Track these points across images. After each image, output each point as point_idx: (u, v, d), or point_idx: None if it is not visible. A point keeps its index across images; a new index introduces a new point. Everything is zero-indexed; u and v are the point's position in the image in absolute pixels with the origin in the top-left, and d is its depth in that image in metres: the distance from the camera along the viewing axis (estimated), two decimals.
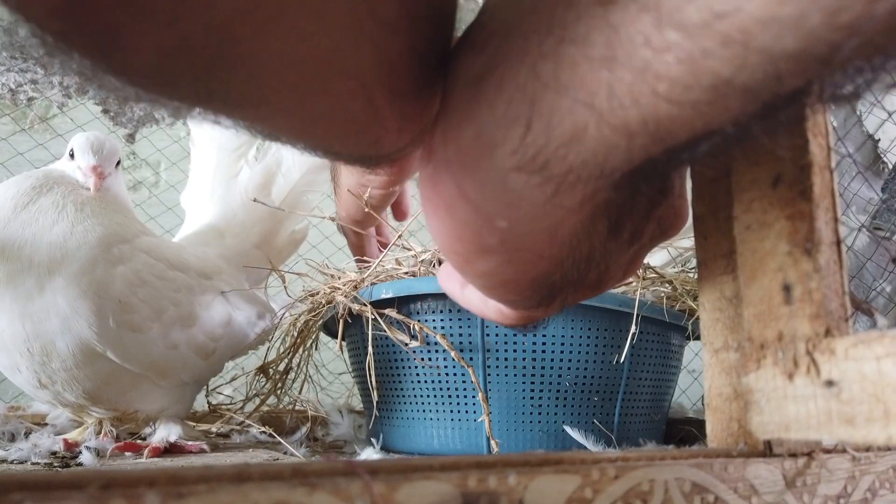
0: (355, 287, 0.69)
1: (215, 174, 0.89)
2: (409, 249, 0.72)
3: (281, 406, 0.87)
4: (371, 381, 0.67)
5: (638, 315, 0.63)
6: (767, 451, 0.27)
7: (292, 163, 0.91)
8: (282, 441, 0.71)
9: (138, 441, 0.70)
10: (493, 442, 0.60)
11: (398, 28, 0.21)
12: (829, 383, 0.23)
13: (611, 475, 0.23)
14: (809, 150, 0.25)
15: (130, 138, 1.35)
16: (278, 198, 0.90)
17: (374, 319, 0.66)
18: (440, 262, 0.71)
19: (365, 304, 0.66)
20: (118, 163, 0.73)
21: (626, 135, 0.20)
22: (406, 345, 0.65)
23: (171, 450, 0.68)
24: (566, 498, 0.22)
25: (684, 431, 0.78)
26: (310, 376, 0.83)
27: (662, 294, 0.68)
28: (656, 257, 0.80)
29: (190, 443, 0.69)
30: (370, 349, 0.67)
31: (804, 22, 0.16)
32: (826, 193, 0.26)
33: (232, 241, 0.86)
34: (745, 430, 0.28)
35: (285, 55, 0.20)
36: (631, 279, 0.69)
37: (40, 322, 0.61)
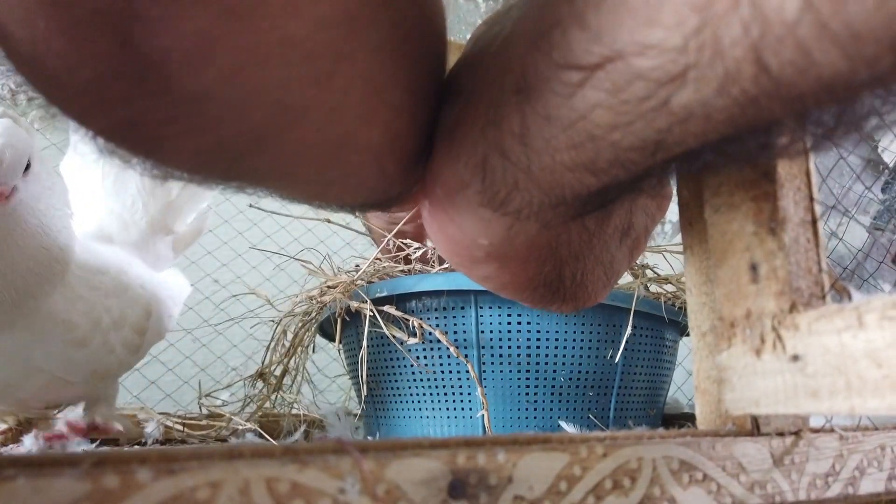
0: (351, 284, 0.69)
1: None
2: (405, 248, 0.72)
3: (276, 410, 0.87)
4: (361, 375, 0.67)
5: (633, 311, 0.64)
6: (755, 429, 0.28)
7: None
8: (277, 445, 0.71)
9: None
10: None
11: (403, 107, 0.25)
12: (795, 358, 0.24)
13: (599, 453, 0.23)
14: None
15: None
16: (175, 187, 0.86)
17: (372, 317, 0.66)
18: (440, 261, 0.71)
19: (364, 301, 0.66)
20: (27, 166, 0.60)
21: (548, 189, 0.25)
22: (402, 343, 0.65)
23: (90, 430, 0.68)
24: (555, 475, 0.22)
25: (680, 427, 0.78)
26: (307, 380, 0.83)
27: (661, 293, 0.68)
28: None
29: (109, 424, 0.69)
30: (364, 343, 0.67)
31: (632, 128, 0.21)
32: (796, 174, 0.26)
33: (136, 232, 0.82)
34: (727, 408, 0.29)
35: (307, 143, 0.23)
36: (630, 277, 0.70)
37: None
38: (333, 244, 1.20)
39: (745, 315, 0.26)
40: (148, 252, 0.83)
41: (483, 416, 0.61)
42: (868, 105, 0.19)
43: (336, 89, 0.22)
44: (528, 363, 0.64)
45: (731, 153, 0.22)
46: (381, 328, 0.65)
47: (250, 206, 0.87)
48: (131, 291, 0.74)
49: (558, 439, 0.23)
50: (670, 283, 0.70)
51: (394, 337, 0.65)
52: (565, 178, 0.24)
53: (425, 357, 0.65)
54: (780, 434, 0.28)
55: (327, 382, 1.05)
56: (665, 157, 0.22)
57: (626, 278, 0.73)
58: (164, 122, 0.20)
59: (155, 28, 0.18)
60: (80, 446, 0.62)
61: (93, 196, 0.82)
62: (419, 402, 0.67)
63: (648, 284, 0.69)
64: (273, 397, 0.82)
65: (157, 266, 0.85)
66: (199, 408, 0.88)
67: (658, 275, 0.71)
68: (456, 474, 0.21)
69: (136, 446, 0.78)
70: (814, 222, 0.26)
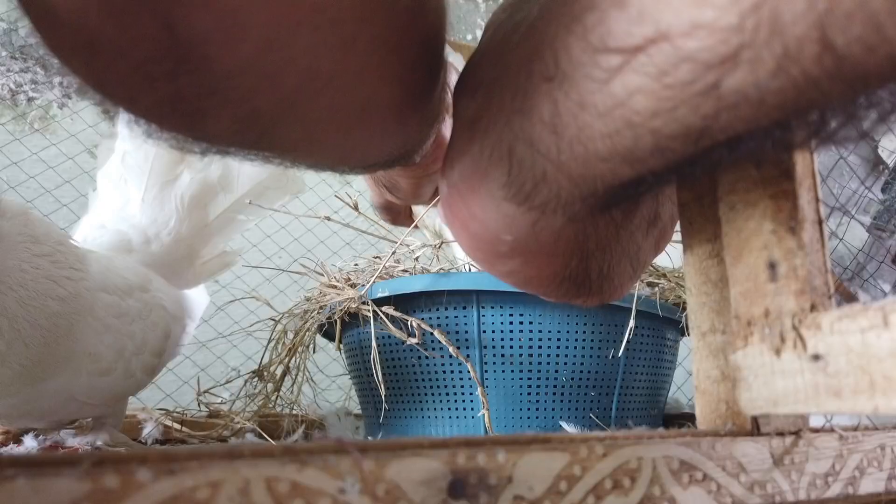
0: (352, 286, 0.69)
1: (151, 173, 0.83)
2: (409, 245, 0.72)
3: (277, 409, 0.87)
4: (377, 377, 0.67)
5: (634, 309, 0.64)
6: (755, 429, 0.28)
7: (235, 179, 0.87)
8: (275, 445, 0.71)
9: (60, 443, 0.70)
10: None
11: (417, 63, 0.26)
12: (816, 357, 0.24)
13: (599, 453, 0.23)
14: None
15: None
16: (213, 213, 0.87)
17: (375, 316, 0.66)
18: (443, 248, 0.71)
19: (366, 302, 0.66)
20: None
21: (579, 181, 0.24)
22: (404, 342, 0.65)
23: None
24: (555, 475, 0.22)
25: (681, 426, 0.79)
26: (307, 380, 0.83)
27: (657, 289, 0.68)
28: None
29: (112, 449, 0.69)
30: (374, 344, 0.67)
31: (675, 114, 0.21)
32: (808, 174, 0.26)
33: (158, 247, 0.82)
34: (732, 410, 0.29)
35: (335, 107, 0.24)
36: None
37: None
38: (334, 244, 1.20)
39: (764, 314, 0.26)
40: (167, 269, 0.83)
41: (484, 415, 0.61)
42: None
43: (360, 52, 0.23)
44: (530, 363, 0.64)
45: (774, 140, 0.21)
46: (381, 328, 0.65)
47: (249, 202, 0.87)
48: (154, 314, 0.74)
49: (558, 439, 0.23)
50: (667, 277, 0.70)
51: (399, 335, 0.65)
52: (598, 168, 0.23)
53: (426, 357, 0.65)
54: (780, 434, 0.28)
55: (327, 382, 1.05)
56: (708, 144, 0.21)
57: None
58: (205, 96, 0.22)
59: (192, 10, 0.19)
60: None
61: (123, 209, 0.83)
62: (420, 402, 0.67)
63: (644, 278, 0.69)
64: (273, 397, 0.82)
65: (177, 285, 0.85)
66: (199, 405, 0.88)
67: (656, 269, 0.71)
68: (456, 474, 0.21)
69: (136, 441, 0.78)
70: (820, 222, 0.26)
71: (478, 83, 0.27)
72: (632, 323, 0.64)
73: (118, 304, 0.68)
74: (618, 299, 0.32)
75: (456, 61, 0.34)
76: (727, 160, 0.22)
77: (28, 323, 0.57)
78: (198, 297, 0.89)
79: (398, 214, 0.53)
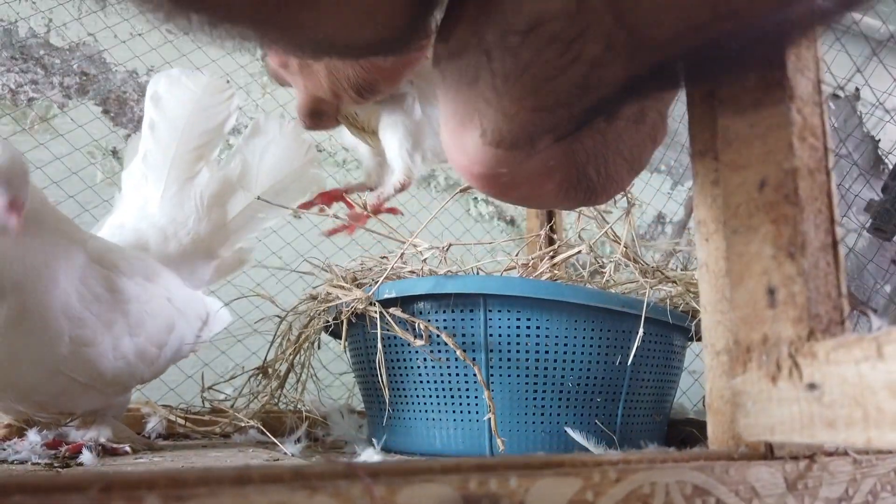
0: (359, 286, 0.69)
1: (171, 170, 0.82)
2: (416, 246, 0.72)
3: (281, 406, 0.87)
4: (382, 379, 0.67)
5: (643, 316, 0.63)
6: (769, 453, 0.27)
7: (255, 177, 0.86)
8: (277, 443, 0.71)
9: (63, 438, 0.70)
10: (498, 441, 0.60)
11: None
12: (812, 386, 0.23)
13: (612, 478, 0.23)
14: (795, 154, 0.26)
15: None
16: (232, 211, 0.86)
17: (381, 318, 0.66)
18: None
19: (373, 303, 0.66)
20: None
21: (532, 126, 0.31)
22: (409, 344, 0.64)
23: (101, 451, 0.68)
24: (567, 500, 0.22)
25: (686, 432, 0.78)
26: (311, 376, 0.83)
27: (666, 295, 0.68)
28: None
29: (117, 446, 0.69)
30: (379, 346, 0.66)
31: (561, 79, 0.29)
32: (818, 195, 0.26)
33: (175, 246, 0.82)
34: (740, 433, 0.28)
35: None
36: (638, 279, 0.69)
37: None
38: (340, 240, 1.19)
39: (762, 340, 0.26)
40: (184, 268, 0.82)
41: (489, 419, 0.61)
42: None
43: None
44: (537, 367, 0.63)
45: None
46: (387, 329, 0.65)
47: (258, 198, 0.86)
48: (155, 303, 0.73)
49: (571, 462, 0.23)
50: (676, 283, 0.69)
51: (405, 337, 0.65)
52: (538, 118, 0.30)
53: (432, 359, 0.65)
54: (794, 458, 0.28)
55: (331, 379, 1.05)
56: (605, 93, 0.28)
57: (634, 282, 0.72)
58: None
59: None
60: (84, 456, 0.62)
61: (143, 207, 0.82)
62: (425, 404, 0.67)
63: (655, 285, 0.68)
64: (277, 394, 0.81)
65: (192, 283, 0.84)
66: (203, 402, 0.88)
67: (666, 276, 0.70)
68: (468, 500, 0.20)
69: (139, 436, 0.78)
70: (834, 245, 0.26)
71: (447, 45, 0.32)
72: (641, 332, 0.63)
73: (111, 279, 0.68)
74: (623, 191, 0.35)
75: None
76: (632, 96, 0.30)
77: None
78: (218, 309, 0.89)
79: (325, 118, 0.52)
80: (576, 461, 0.23)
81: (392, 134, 0.52)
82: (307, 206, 0.61)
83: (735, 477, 0.25)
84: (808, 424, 0.23)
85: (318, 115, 0.50)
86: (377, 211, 0.58)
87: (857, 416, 0.22)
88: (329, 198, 0.61)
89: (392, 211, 0.65)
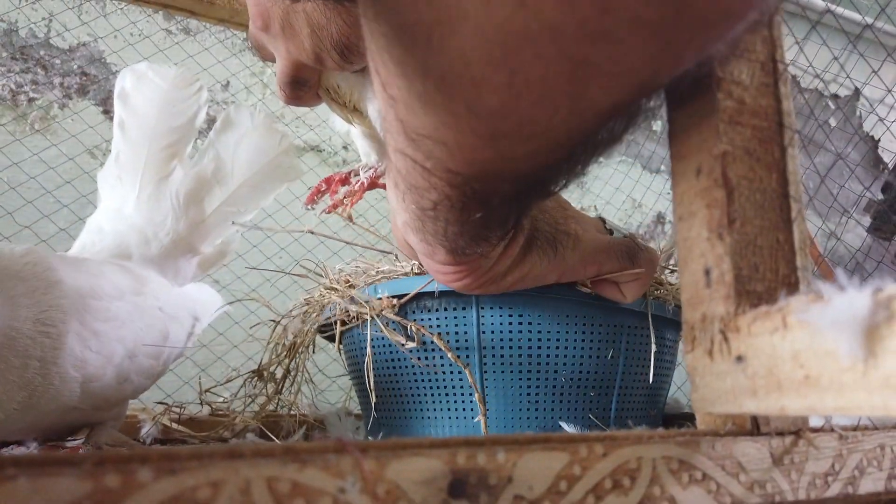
0: (351, 287, 0.69)
1: (144, 171, 0.81)
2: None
3: (277, 410, 0.87)
4: (369, 382, 0.67)
5: (636, 311, 0.64)
6: (755, 429, 0.28)
7: (230, 171, 0.85)
8: (276, 443, 0.71)
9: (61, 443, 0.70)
10: None
11: None
12: (739, 359, 0.25)
13: (599, 453, 0.23)
14: (721, 139, 0.27)
15: None
16: (209, 208, 0.85)
17: (373, 320, 0.66)
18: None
19: (364, 305, 0.66)
20: None
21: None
22: (403, 345, 0.65)
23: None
24: (555, 474, 0.22)
25: (680, 427, 0.78)
26: (307, 380, 0.83)
27: (662, 292, 0.68)
28: None
29: (113, 448, 0.69)
30: (368, 350, 0.67)
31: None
32: (763, 175, 0.27)
33: (157, 247, 0.81)
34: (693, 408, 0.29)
35: None
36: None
37: None
38: (334, 244, 1.20)
39: (702, 319, 0.27)
40: (167, 268, 0.81)
41: (481, 421, 0.61)
42: None
43: None
44: (530, 364, 0.64)
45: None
46: (380, 330, 0.65)
47: (233, 223, 0.87)
48: (147, 316, 0.72)
49: (558, 438, 0.24)
50: (661, 284, 0.70)
51: (395, 340, 0.65)
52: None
53: (426, 359, 0.65)
54: (780, 433, 0.28)
55: (328, 383, 1.05)
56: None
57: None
58: None
59: None
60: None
61: (119, 209, 0.81)
62: (420, 403, 0.67)
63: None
64: (275, 399, 0.81)
65: (178, 281, 0.84)
66: (201, 405, 0.88)
67: (658, 282, 0.71)
68: (456, 474, 0.21)
69: (135, 441, 0.78)
70: (788, 221, 0.27)
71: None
72: (653, 337, 0.64)
73: (106, 308, 0.67)
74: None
75: None
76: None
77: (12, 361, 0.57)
78: (207, 297, 0.88)
79: (307, 88, 0.49)
80: (563, 437, 0.24)
81: (376, 105, 0.52)
82: (313, 197, 0.61)
83: (721, 452, 0.26)
84: (739, 395, 0.25)
85: (300, 84, 0.47)
86: (373, 185, 0.58)
87: (772, 385, 0.23)
88: (331, 182, 0.60)
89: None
